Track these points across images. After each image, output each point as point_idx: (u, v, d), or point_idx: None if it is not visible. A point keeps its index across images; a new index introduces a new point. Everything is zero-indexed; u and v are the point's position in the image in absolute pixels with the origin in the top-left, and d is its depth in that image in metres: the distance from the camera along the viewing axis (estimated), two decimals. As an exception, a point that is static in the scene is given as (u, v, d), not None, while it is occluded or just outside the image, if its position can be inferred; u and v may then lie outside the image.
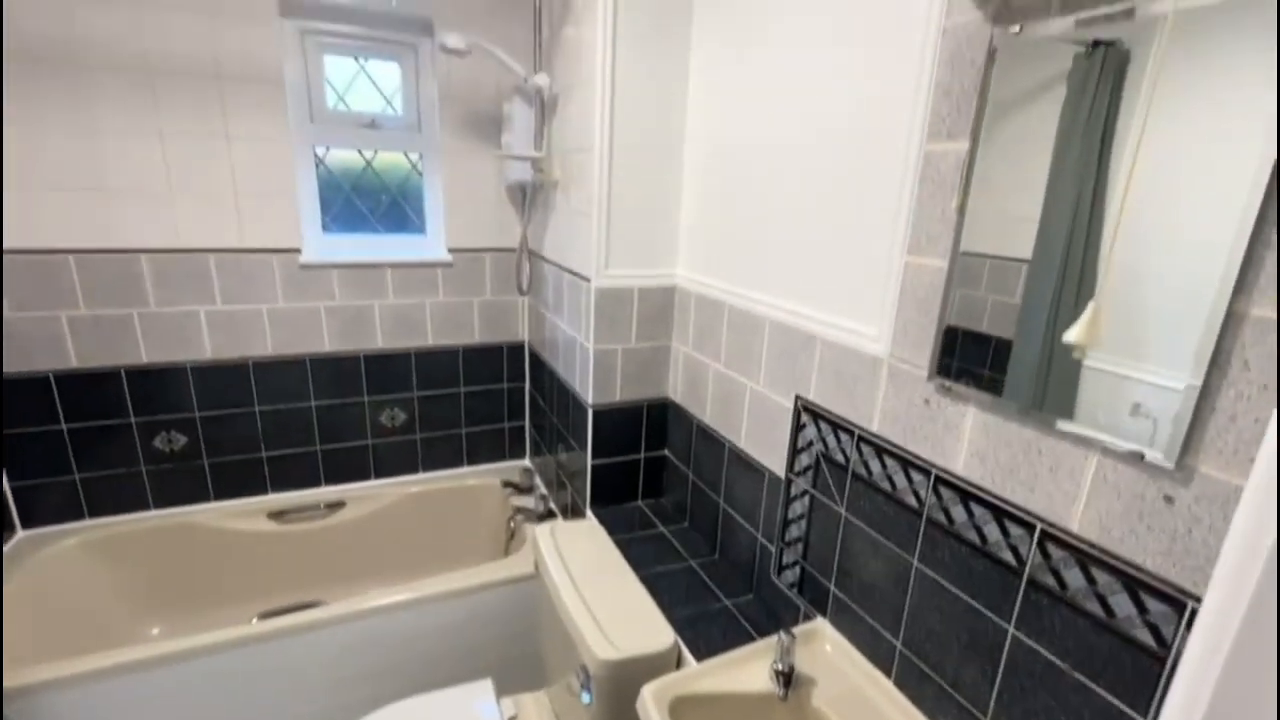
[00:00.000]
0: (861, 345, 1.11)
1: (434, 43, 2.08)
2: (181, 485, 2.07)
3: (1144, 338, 0.71)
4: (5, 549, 1.84)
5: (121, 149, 1.76)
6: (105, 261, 1.82)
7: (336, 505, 2.25)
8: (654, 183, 1.64)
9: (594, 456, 1.79)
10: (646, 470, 1.87)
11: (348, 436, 2.25)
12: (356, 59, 2.10)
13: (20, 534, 1.92)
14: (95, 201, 1.77)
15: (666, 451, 1.86)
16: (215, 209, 1.89)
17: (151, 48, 1.73)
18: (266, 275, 2.00)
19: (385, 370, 2.24)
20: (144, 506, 2.04)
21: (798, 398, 1.28)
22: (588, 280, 1.68)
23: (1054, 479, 0.81)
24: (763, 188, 1.35)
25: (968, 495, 0.92)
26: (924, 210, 0.97)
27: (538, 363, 2.30)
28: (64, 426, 1.89)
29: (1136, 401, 0.71)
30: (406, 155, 2.24)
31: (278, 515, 2.17)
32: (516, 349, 2.42)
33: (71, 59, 1.67)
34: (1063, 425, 0.78)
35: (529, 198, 2.09)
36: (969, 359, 0.91)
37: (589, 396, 1.74)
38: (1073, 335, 0.72)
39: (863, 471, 1.11)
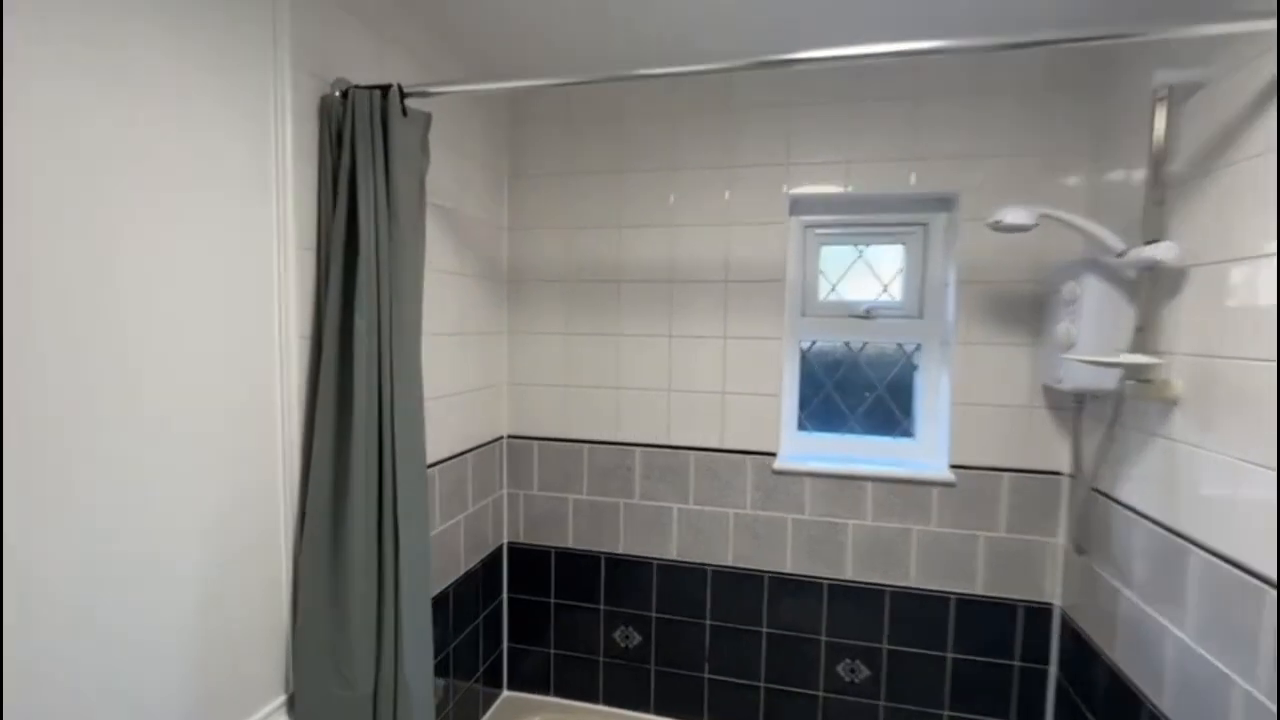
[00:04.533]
0: None
1: (950, 217, 1.73)
2: (628, 686, 1.96)
3: None
4: (494, 706, 1.98)
5: (634, 352, 1.88)
6: (608, 453, 1.92)
7: (773, 764, 1.80)
8: None
9: None
10: None
11: (796, 680, 1.82)
12: (855, 246, 1.91)
13: (505, 694, 2.06)
14: (609, 399, 1.91)
15: None
16: (702, 408, 1.85)
17: (678, 257, 1.84)
18: (739, 478, 1.83)
19: (851, 606, 1.78)
20: (595, 698, 1.99)
21: None
22: (1269, 586, 0.91)
23: None
24: None
25: None
26: None
27: (1081, 645, 1.50)
28: (552, 600, 2.01)
29: None
30: (901, 346, 1.89)
31: (710, 754, 1.85)
32: (1040, 614, 1.66)
33: (617, 276, 1.88)
34: None
35: (1111, 414, 1.40)
36: None
37: (1279, 816, 0.90)
38: None
39: None
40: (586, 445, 1.94)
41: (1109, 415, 1.34)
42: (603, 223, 1.88)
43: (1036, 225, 1.26)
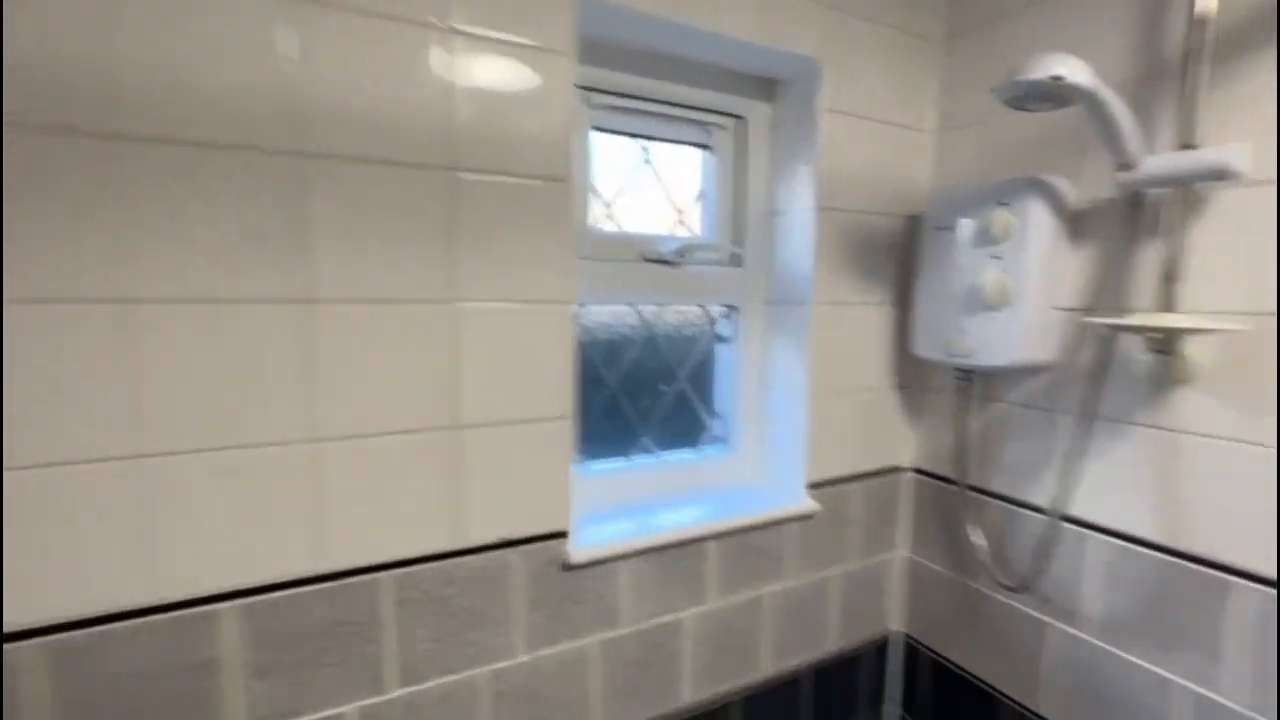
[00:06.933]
0: None
1: (776, 109, 1.12)
2: None
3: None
4: None
5: (199, 346, 0.68)
6: (142, 640, 0.68)
7: None
8: None
9: None
10: None
11: None
12: (640, 140, 1.12)
13: None
14: (122, 487, 0.66)
15: None
16: (407, 469, 0.80)
17: (324, 96, 0.70)
18: (498, 602, 0.87)
19: (686, 744, 1.07)
20: None
21: None
22: None
23: None
24: None
25: None
26: None
27: (943, 676, 1.18)
28: None
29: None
30: (706, 310, 1.22)
31: None
32: (881, 648, 1.30)
33: (141, 129, 0.62)
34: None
35: (1080, 398, 1.03)
36: None
37: None
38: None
39: None
40: (51, 638, 0.65)
41: (1037, 399, 0.96)
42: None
43: (1093, 93, 0.73)
